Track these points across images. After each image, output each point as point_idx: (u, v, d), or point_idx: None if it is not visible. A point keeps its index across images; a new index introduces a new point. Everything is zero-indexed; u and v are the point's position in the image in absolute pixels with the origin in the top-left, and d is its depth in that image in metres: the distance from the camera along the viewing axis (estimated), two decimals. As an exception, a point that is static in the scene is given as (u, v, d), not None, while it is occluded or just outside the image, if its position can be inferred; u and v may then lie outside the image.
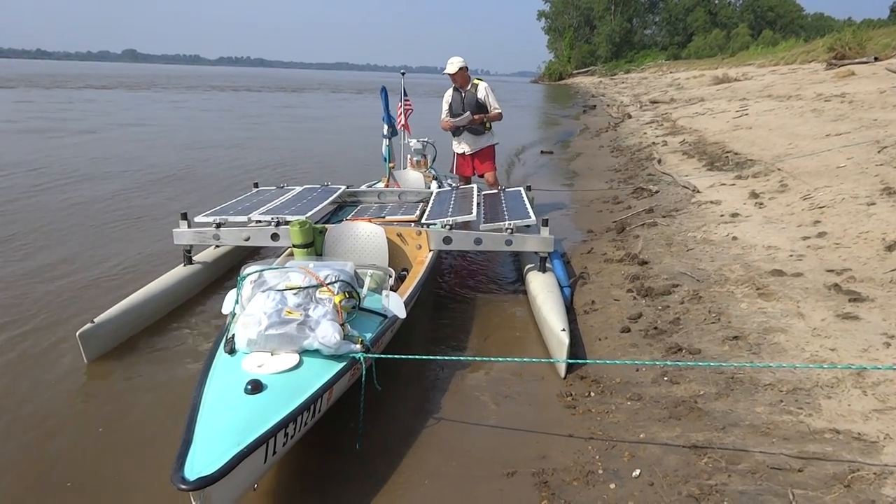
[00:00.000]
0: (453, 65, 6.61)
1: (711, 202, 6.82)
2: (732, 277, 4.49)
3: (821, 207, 5.68)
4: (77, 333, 3.68)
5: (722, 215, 6.20)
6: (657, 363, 3.36)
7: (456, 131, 6.91)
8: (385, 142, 6.92)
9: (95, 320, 3.83)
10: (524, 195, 5.77)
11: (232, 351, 2.74)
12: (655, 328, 3.92)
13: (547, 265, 4.87)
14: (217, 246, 5.26)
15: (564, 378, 3.52)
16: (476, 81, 6.75)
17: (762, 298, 4.04)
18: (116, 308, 4.07)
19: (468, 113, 6.65)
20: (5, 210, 7.45)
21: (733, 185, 7.56)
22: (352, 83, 69.59)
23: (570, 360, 3.50)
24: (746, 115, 13.45)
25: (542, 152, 14.05)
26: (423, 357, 3.21)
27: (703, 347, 3.54)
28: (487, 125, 6.79)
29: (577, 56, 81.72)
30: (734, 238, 5.37)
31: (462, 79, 6.67)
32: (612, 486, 2.58)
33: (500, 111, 6.80)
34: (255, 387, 2.39)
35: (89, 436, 3.08)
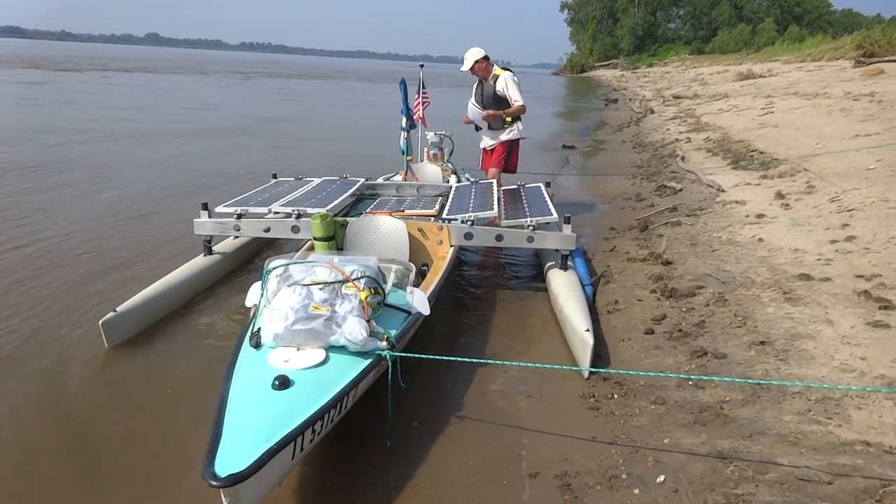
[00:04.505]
0: (467, 61, 6.36)
1: (736, 202, 6.73)
2: (758, 280, 4.43)
3: (849, 210, 5.58)
4: (100, 322, 3.72)
5: (747, 216, 6.12)
6: (683, 376, 3.30)
7: (480, 126, 6.69)
8: (403, 134, 6.90)
9: (118, 309, 3.86)
10: (544, 191, 5.73)
11: (258, 345, 2.75)
12: (680, 330, 3.88)
13: (568, 263, 4.84)
14: (237, 237, 5.28)
15: (587, 379, 3.50)
16: (498, 72, 6.38)
17: (789, 303, 3.98)
18: (138, 297, 4.11)
19: (477, 109, 6.41)
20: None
21: (759, 184, 7.46)
22: (378, 72, 69.51)
23: (596, 370, 3.45)
24: (772, 112, 13.27)
25: (563, 146, 13.95)
26: (448, 357, 3.19)
27: (729, 352, 3.49)
28: (508, 119, 6.44)
29: (599, 49, 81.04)
30: (760, 240, 5.30)
31: (482, 71, 6.38)
32: (636, 491, 2.56)
33: (521, 104, 6.35)
34: (283, 382, 2.40)
35: (108, 422, 3.12)
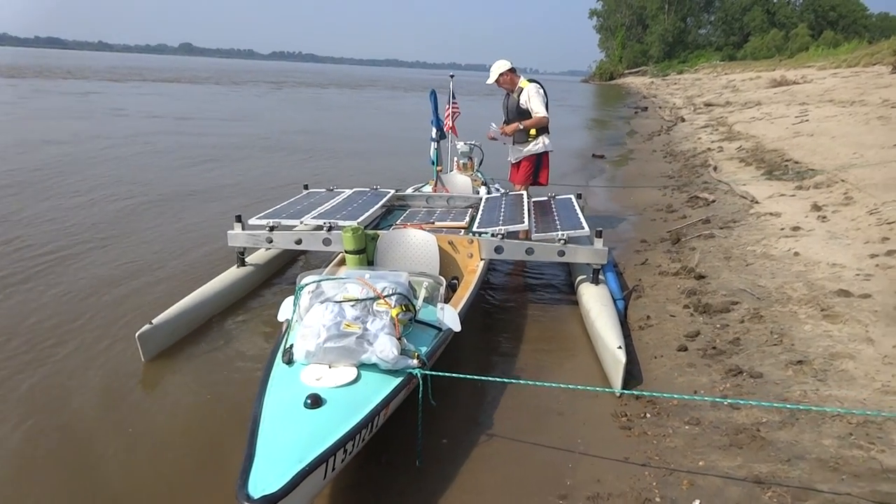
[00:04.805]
0: (493, 73, 6.28)
1: (771, 214, 6.61)
2: (795, 296, 4.34)
3: (889, 223, 5.44)
4: (136, 335, 3.78)
5: (782, 228, 6.00)
6: (719, 399, 3.24)
7: (505, 141, 6.60)
8: (433, 145, 6.92)
9: (154, 321, 3.92)
10: (575, 203, 5.69)
11: (290, 361, 2.77)
12: (714, 348, 3.81)
13: (600, 277, 4.80)
14: (268, 248, 5.34)
15: (619, 397, 3.45)
16: (523, 84, 6.25)
17: (827, 320, 3.89)
18: (173, 309, 4.17)
19: (495, 127, 6.40)
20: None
21: (794, 195, 7.32)
22: (407, 81, 69.94)
23: (629, 391, 3.39)
24: (807, 121, 13.03)
25: (593, 156, 13.87)
26: (479, 378, 3.17)
27: (765, 371, 3.42)
28: (532, 133, 6.29)
29: (628, 56, 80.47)
30: (796, 253, 5.19)
31: (508, 83, 6.31)
32: (671, 515, 2.52)
33: (541, 115, 6.18)
34: (315, 401, 2.41)
35: (146, 436, 3.15)
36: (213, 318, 4.50)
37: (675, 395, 3.21)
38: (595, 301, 4.41)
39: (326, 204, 5.47)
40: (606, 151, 14.68)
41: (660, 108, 27.61)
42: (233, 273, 4.98)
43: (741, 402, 3.02)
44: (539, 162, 6.48)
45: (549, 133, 6.43)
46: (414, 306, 3.11)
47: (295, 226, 4.97)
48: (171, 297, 4.44)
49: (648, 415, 3.27)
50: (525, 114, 6.24)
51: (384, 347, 2.72)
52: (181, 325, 4.18)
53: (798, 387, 3.21)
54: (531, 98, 6.19)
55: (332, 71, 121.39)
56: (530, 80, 6.34)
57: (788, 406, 2.86)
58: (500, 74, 6.25)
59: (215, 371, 3.83)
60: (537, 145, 6.38)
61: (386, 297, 2.97)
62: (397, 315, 2.92)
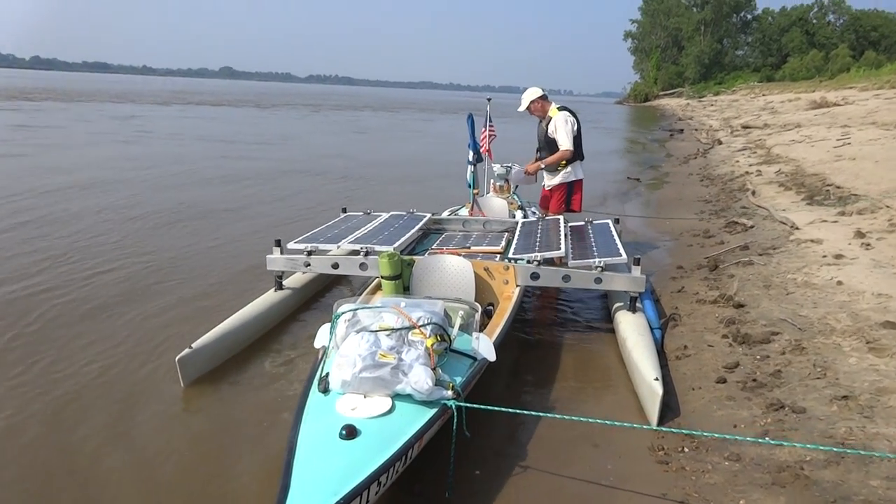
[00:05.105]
0: (524, 101, 6.33)
1: (812, 240, 6.46)
2: (839, 328, 4.23)
3: (938, 252, 5.29)
4: (176, 359, 3.83)
5: (824, 256, 5.86)
6: (762, 441, 3.15)
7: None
8: (470, 168, 6.97)
9: (193, 346, 3.96)
10: (613, 229, 5.64)
11: (326, 390, 2.80)
12: (754, 380, 3.73)
13: (637, 305, 4.74)
14: (305, 272, 5.41)
15: (656, 430, 3.39)
16: (552, 113, 6.25)
17: (873, 353, 3.78)
18: (213, 333, 4.22)
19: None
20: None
21: (836, 222, 7.15)
22: (441, 103, 70.61)
23: (666, 429, 3.32)
24: (849, 144, 12.77)
25: (628, 178, 13.79)
26: (514, 411, 3.14)
27: (808, 406, 3.33)
28: (560, 163, 6.26)
29: (663, 77, 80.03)
30: (839, 283, 5.06)
31: (538, 111, 6.34)
32: (711, 556, 2.45)
33: (563, 149, 6.15)
34: (350, 432, 2.43)
35: (185, 464, 3.19)
36: (252, 343, 4.54)
37: (715, 434, 3.12)
38: (632, 330, 4.35)
39: (363, 228, 5.53)
40: (641, 174, 14.58)
41: (696, 130, 27.34)
42: (270, 297, 5.05)
43: (784, 443, 2.93)
44: (571, 190, 6.46)
45: (581, 160, 6.41)
46: (449, 336, 3.12)
47: (332, 250, 5.03)
48: (208, 320, 4.52)
49: (686, 449, 3.20)
50: (553, 143, 6.25)
51: (419, 378, 2.72)
52: (221, 349, 4.22)
53: (843, 423, 3.12)
54: (557, 129, 6.19)
55: (367, 93, 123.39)
56: (560, 108, 6.33)
57: (834, 449, 2.77)
58: (531, 102, 6.32)
59: (262, 395, 3.85)
60: (568, 174, 6.37)
61: (421, 326, 2.98)
62: (432, 345, 2.93)
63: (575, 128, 6.24)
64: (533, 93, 6.34)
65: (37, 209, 8.65)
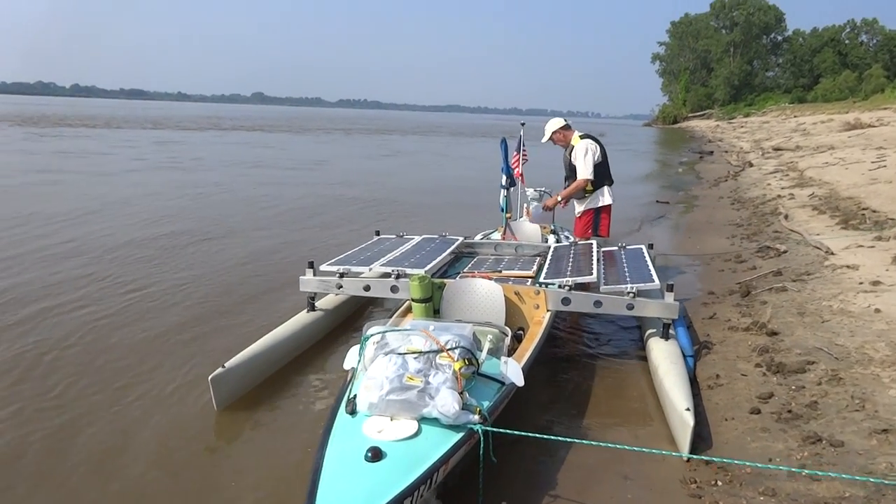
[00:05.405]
0: (546, 132, 6.43)
1: (848, 266, 6.32)
2: (877, 357, 4.11)
3: (981, 280, 5.13)
4: (209, 378, 3.83)
5: (861, 283, 5.72)
6: (796, 470, 3.06)
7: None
8: (503, 192, 6.98)
9: (226, 365, 3.96)
10: (646, 254, 5.57)
11: (353, 412, 2.80)
12: (789, 412, 3.63)
13: (670, 331, 4.66)
14: (338, 294, 5.44)
15: (688, 461, 3.31)
16: (574, 142, 6.34)
17: (915, 385, 3.66)
18: (245, 353, 4.23)
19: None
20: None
21: (872, 247, 7.00)
22: (469, 126, 71.04)
23: (697, 456, 3.25)
24: (884, 166, 12.53)
25: (657, 202, 13.67)
26: (542, 436, 3.10)
27: (847, 440, 3.23)
28: (587, 188, 6.33)
29: (692, 99, 79.70)
30: (877, 310, 4.93)
31: (562, 140, 6.42)
32: None
33: (582, 178, 6.22)
34: (375, 454, 2.42)
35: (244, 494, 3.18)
36: (284, 364, 4.57)
37: (748, 463, 3.05)
38: (664, 357, 4.27)
39: (395, 251, 5.55)
40: (671, 197, 14.44)
41: (726, 152, 27.09)
42: (303, 318, 5.08)
43: (821, 473, 2.85)
44: (598, 216, 6.48)
45: (610, 184, 6.41)
46: (477, 360, 3.10)
47: (364, 273, 5.06)
48: (240, 342, 4.56)
49: (720, 482, 3.12)
50: (576, 171, 6.32)
51: (445, 402, 2.71)
52: (254, 369, 4.22)
53: (884, 458, 3.02)
54: (578, 157, 6.26)
55: (396, 117, 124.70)
56: (583, 136, 6.39)
57: (872, 479, 2.68)
58: (554, 132, 6.40)
59: (285, 423, 3.84)
60: (596, 200, 6.42)
61: (449, 350, 2.97)
62: (460, 369, 2.91)
63: (597, 155, 6.28)
64: (555, 123, 6.43)
65: (90, 233, 8.90)
